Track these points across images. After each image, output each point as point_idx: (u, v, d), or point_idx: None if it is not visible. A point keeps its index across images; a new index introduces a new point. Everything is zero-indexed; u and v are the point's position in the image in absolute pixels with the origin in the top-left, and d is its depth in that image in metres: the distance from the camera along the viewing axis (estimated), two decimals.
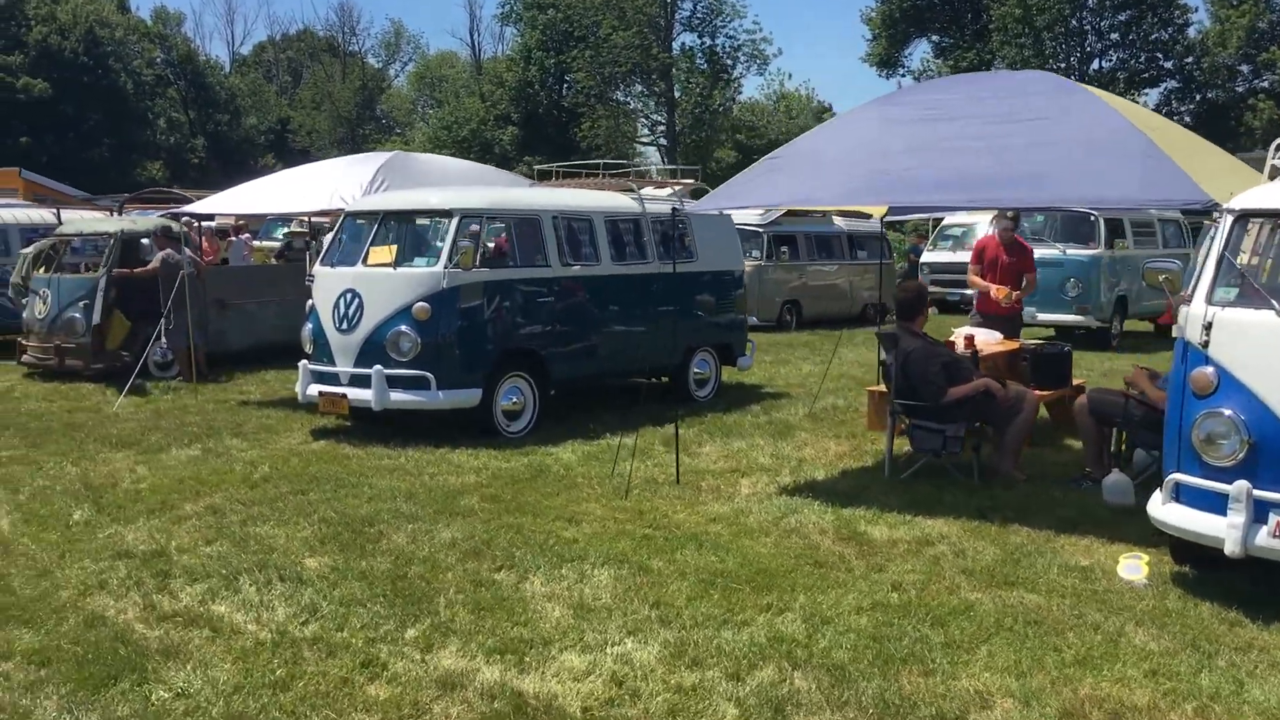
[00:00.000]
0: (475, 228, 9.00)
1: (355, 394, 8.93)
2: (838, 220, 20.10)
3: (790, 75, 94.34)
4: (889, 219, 24.39)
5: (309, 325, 9.43)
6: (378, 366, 8.78)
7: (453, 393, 8.83)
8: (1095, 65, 44.28)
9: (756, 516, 6.77)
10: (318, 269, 9.55)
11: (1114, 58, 44.00)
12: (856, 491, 7.34)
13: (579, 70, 55.37)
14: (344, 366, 9.06)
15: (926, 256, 24.16)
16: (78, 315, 12.83)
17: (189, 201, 13.71)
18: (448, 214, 9.05)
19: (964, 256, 23.45)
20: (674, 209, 7.60)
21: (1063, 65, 43.94)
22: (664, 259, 10.56)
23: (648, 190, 13.13)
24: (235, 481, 7.72)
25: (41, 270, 13.58)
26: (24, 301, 13.71)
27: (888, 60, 53.43)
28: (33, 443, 9.15)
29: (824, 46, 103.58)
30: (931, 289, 22.93)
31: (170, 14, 66.77)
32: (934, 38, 51.90)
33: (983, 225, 24.30)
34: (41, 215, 15.93)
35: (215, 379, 12.63)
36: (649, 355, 10.50)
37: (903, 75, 54.87)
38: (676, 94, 56.94)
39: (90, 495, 7.34)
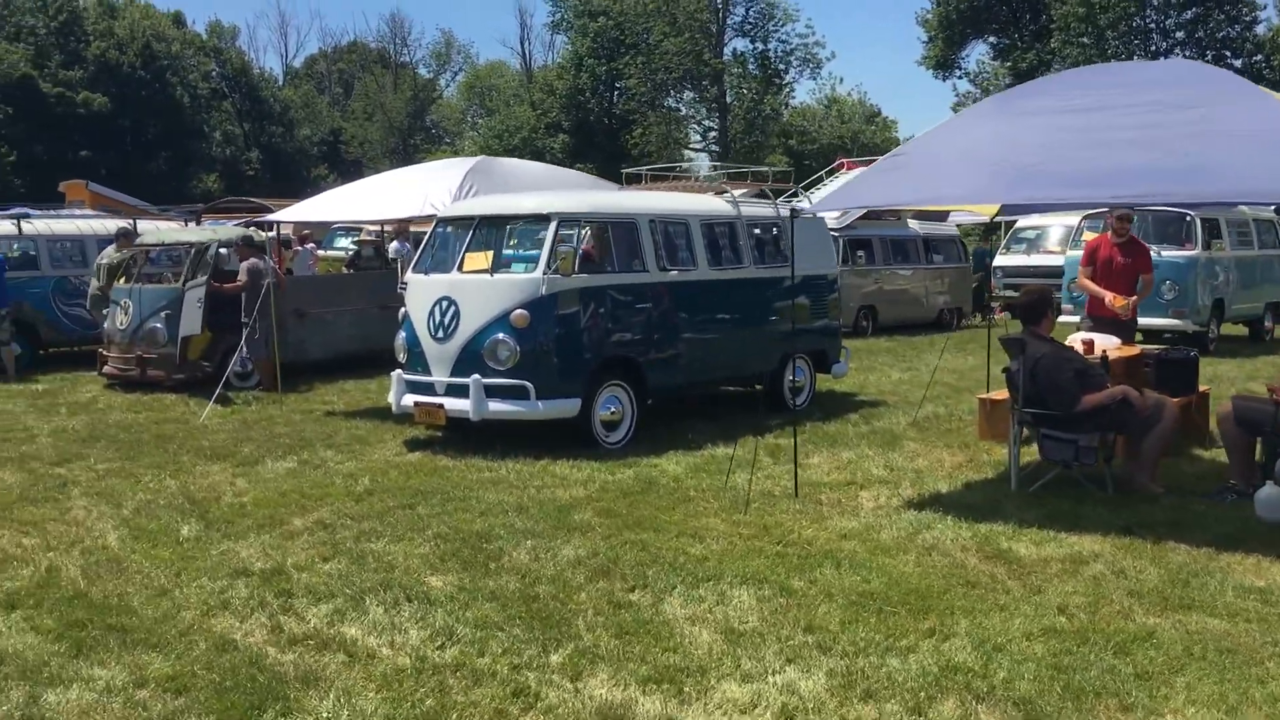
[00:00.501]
0: (575, 232, 8.76)
1: (452, 404, 8.71)
2: (913, 223, 19.67)
3: (841, 80, 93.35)
4: (958, 221, 23.84)
5: (402, 334, 9.22)
6: (475, 376, 8.55)
7: (552, 402, 8.57)
8: None
9: (889, 532, 6.44)
10: (411, 276, 9.34)
11: (1180, 56, 42.97)
12: (987, 505, 6.98)
13: (631, 77, 55.25)
14: (440, 376, 8.84)
15: (999, 260, 23.63)
16: (159, 326, 12.76)
17: (268, 211, 13.63)
18: (545, 218, 8.81)
19: (1038, 260, 23.05)
20: (792, 210, 7.30)
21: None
22: (759, 263, 10.27)
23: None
24: (339, 495, 7.51)
25: (121, 280, 13.54)
26: (103, 312, 13.69)
27: (944, 63, 52.83)
28: (127, 455, 9.02)
29: (876, 50, 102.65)
30: (1004, 293, 22.47)
31: (224, 28, 67.40)
32: (991, 39, 51.21)
33: (1056, 229, 23.79)
34: (119, 225, 15.91)
35: (294, 389, 12.48)
36: (746, 362, 10.21)
37: (959, 78, 54.40)
38: (728, 99, 56.63)
39: (195, 510, 7.16)
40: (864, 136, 65.04)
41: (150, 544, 6.39)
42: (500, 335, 8.56)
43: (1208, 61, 43.11)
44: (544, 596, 5.36)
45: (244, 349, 12.81)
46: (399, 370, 9.17)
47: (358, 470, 8.32)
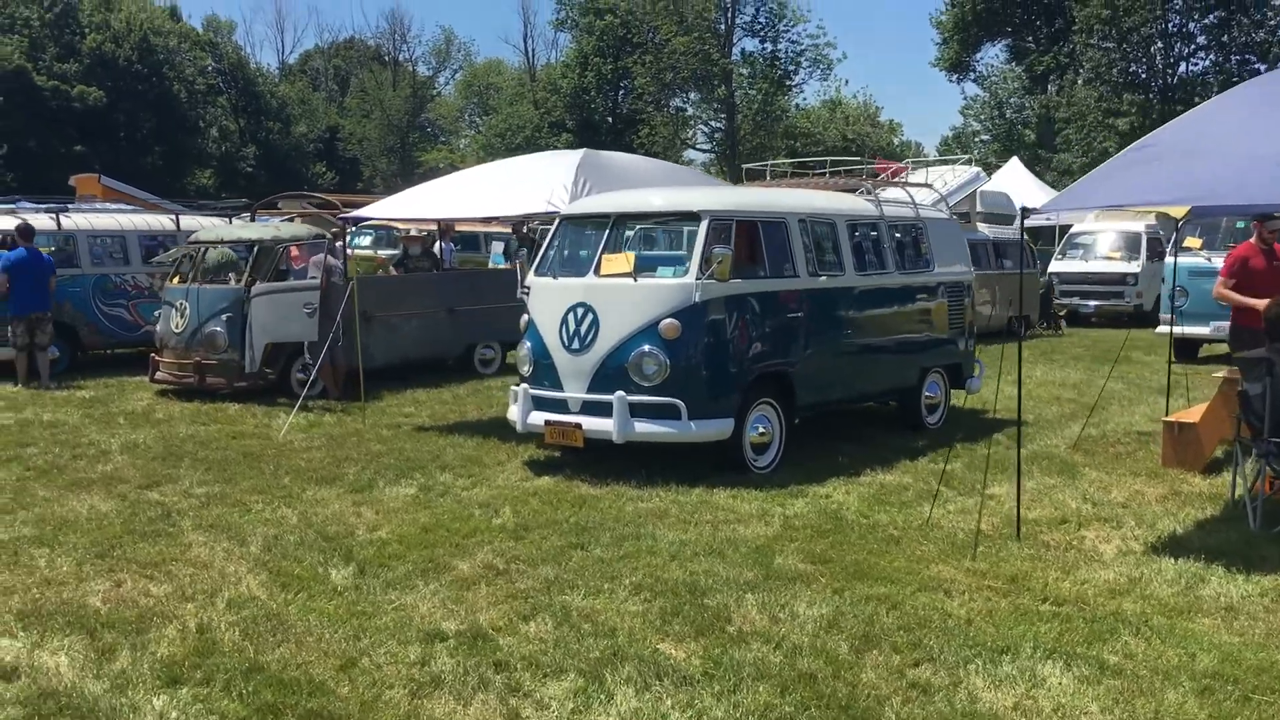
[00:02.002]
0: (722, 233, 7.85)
1: (591, 424, 7.78)
2: (982, 227, 18.84)
3: (846, 81, 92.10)
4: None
5: (527, 344, 8.29)
6: (620, 393, 7.63)
7: (706, 423, 7.67)
8: (1183, 69, 42.81)
9: (1160, 587, 5.56)
10: (534, 280, 8.42)
11: (1205, 60, 42.48)
12: (1241, 550, 6.11)
13: (640, 76, 54.37)
14: (575, 392, 7.92)
15: (1055, 266, 22.84)
16: (219, 329, 11.79)
17: (333, 208, 12.66)
18: (694, 217, 7.91)
19: (1099, 266, 22.26)
20: (1023, 210, 6.40)
21: (1149, 68, 42.62)
22: (901, 268, 9.41)
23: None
24: (490, 531, 6.58)
25: (174, 280, 12.56)
26: (155, 314, 12.71)
27: (959, 65, 52.19)
28: (221, 476, 8.06)
29: (879, 52, 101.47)
30: (1060, 300, 21.68)
31: (221, 22, 66.03)
32: (1006, 41, 50.58)
33: (1109, 235, 23.01)
34: (160, 221, 14.93)
35: (357, 397, 11.48)
36: (889, 376, 9.36)
37: (973, 80, 53.77)
38: (736, 99, 55.83)
39: (334, 548, 6.22)
40: (869, 140, 64.40)
41: (303, 593, 5.45)
42: (648, 347, 7.65)
43: (1232, 67, 42.64)
44: (821, 676, 4.45)
45: (308, 355, 11.88)
46: (523, 384, 8.23)
47: (491, 498, 7.39)
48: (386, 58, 72.79)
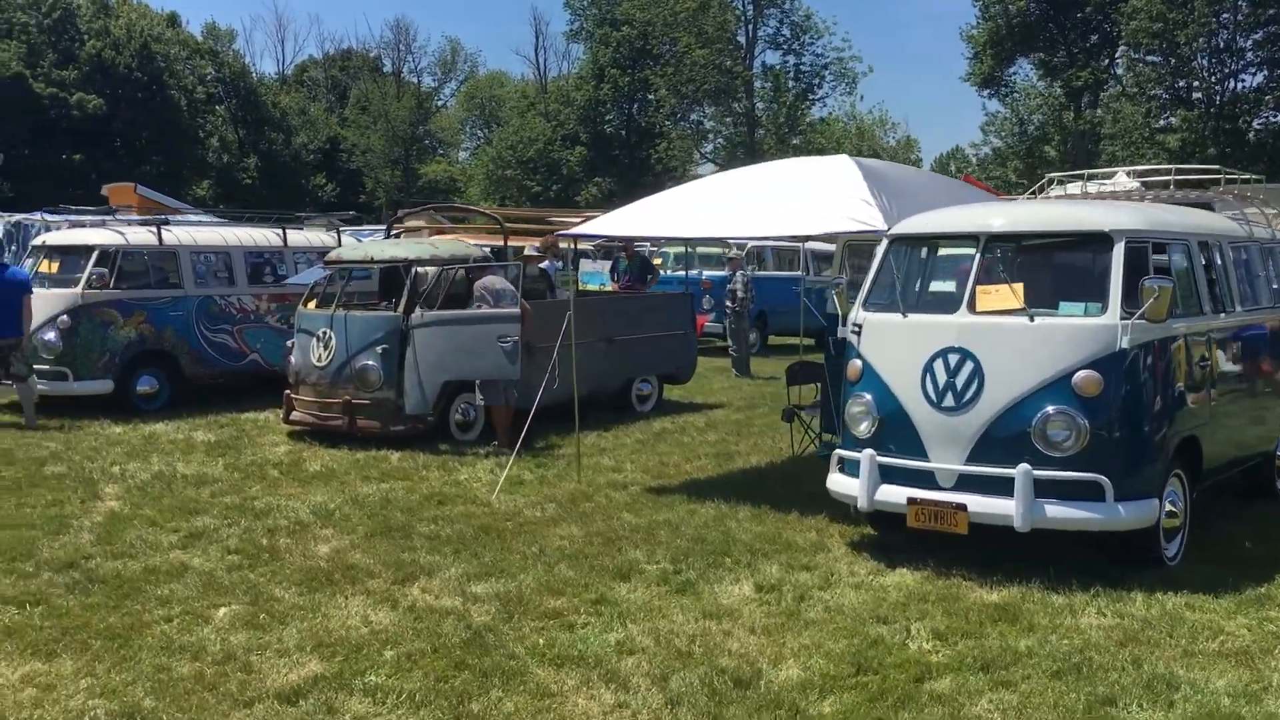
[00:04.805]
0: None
1: (981, 504, 6.04)
2: None
3: (862, 96, 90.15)
4: None
5: (866, 397, 6.54)
6: (1024, 466, 5.90)
7: (1135, 505, 5.92)
8: (1234, 84, 41.69)
9: None
10: (869, 316, 6.69)
11: (1260, 76, 41.34)
12: None
13: (660, 88, 52.85)
14: (948, 462, 6.17)
15: None
16: (373, 363, 9.97)
17: (497, 223, 10.87)
18: (1103, 239, 6.20)
19: None
20: None
21: (1200, 84, 41.53)
22: (1273, 301, 7.77)
23: None
24: (922, 662, 4.85)
25: (312, 305, 10.73)
26: (289, 344, 10.89)
27: (991, 79, 50.93)
28: (479, 565, 6.24)
29: (907, 67, 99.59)
30: None
31: (221, 31, 64.00)
32: (1042, 55, 49.33)
33: None
34: (266, 236, 13.09)
35: (530, 445, 9.70)
36: (1258, 435, 7.67)
37: (1005, 95, 52.49)
38: (758, 112, 54.45)
39: (762, 702, 4.45)
40: (886, 156, 63.16)
41: None
42: (1058, 407, 5.92)
43: None
44: None
45: (479, 394, 10.12)
46: (868, 450, 6.46)
47: (867, 606, 5.64)
48: (387, 69, 70.97)
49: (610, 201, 54.97)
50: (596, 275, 18.39)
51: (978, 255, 6.39)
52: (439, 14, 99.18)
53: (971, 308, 6.27)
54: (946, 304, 6.48)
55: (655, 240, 18.36)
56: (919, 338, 6.38)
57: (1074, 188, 8.73)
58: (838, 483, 6.71)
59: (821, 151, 59.12)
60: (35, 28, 50.53)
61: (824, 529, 7.13)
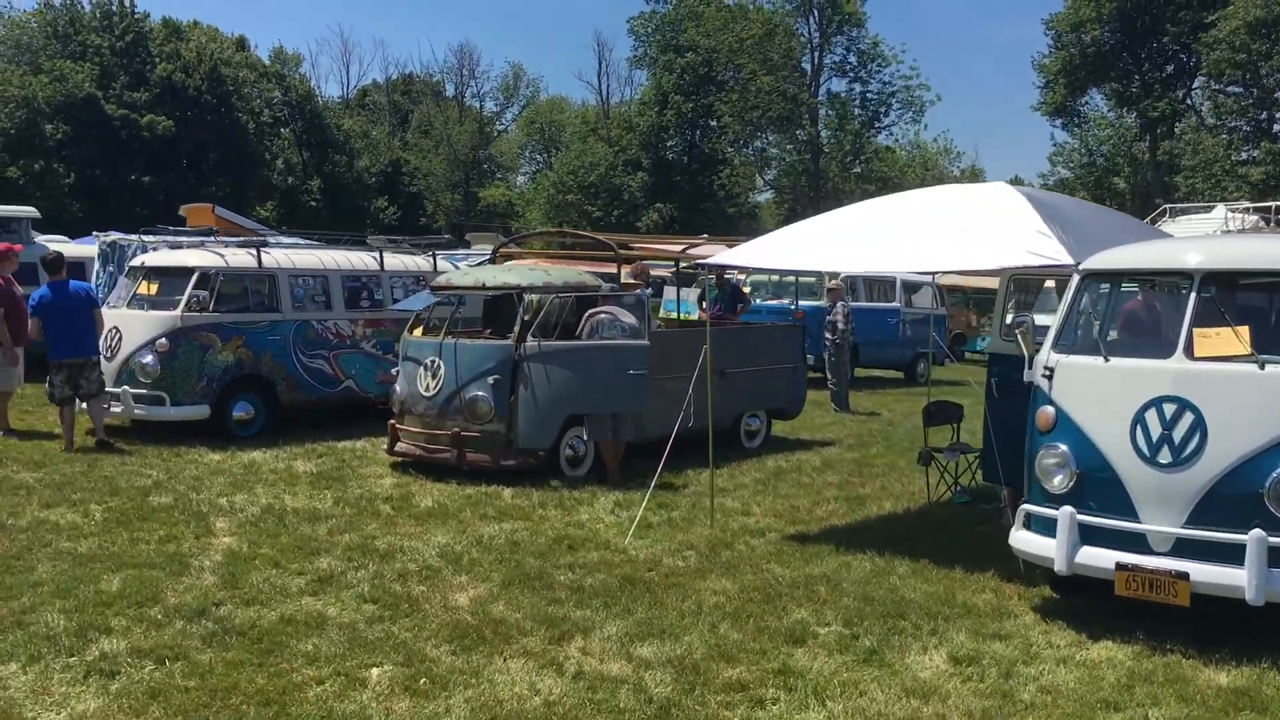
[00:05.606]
0: None
1: (1204, 573, 5.41)
2: None
3: (926, 125, 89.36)
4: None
5: (1062, 447, 5.93)
6: (1257, 531, 5.27)
7: None
8: None
9: None
10: (1063, 359, 6.09)
11: None
12: None
13: (724, 115, 52.45)
14: (1165, 524, 5.55)
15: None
16: (483, 394, 9.52)
17: (615, 251, 10.40)
18: None
19: None
20: None
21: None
22: None
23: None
24: None
25: (419, 332, 10.32)
26: (393, 372, 10.48)
27: (1062, 109, 50.04)
28: (632, 625, 5.69)
29: (970, 94, 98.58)
30: None
31: (288, 55, 64.64)
32: (1115, 85, 48.34)
33: None
34: (363, 260, 12.73)
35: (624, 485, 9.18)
36: None
37: (1075, 125, 51.52)
38: (822, 139, 53.85)
39: None
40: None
41: None
42: None
43: None
44: None
45: (588, 428, 9.64)
46: (1066, 508, 5.86)
47: (1082, 687, 5.04)
48: (449, 93, 71.32)
49: (671, 228, 54.57)
50: (683, 304, 17.87)
51: (1193, 294, 5.78)
52: (503, 39, 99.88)
53: (1189, 353, 5.67)
54: (1155, 348, 5.88)
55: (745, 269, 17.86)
56: (1127, 385, 5.77)
57: (1188, 220, 8.12)
58: (1026, 541, 6.10)
59: (884, 180, 58.62)
60: (108, 50, 51.27)
61: (998, 589, 6.52)
